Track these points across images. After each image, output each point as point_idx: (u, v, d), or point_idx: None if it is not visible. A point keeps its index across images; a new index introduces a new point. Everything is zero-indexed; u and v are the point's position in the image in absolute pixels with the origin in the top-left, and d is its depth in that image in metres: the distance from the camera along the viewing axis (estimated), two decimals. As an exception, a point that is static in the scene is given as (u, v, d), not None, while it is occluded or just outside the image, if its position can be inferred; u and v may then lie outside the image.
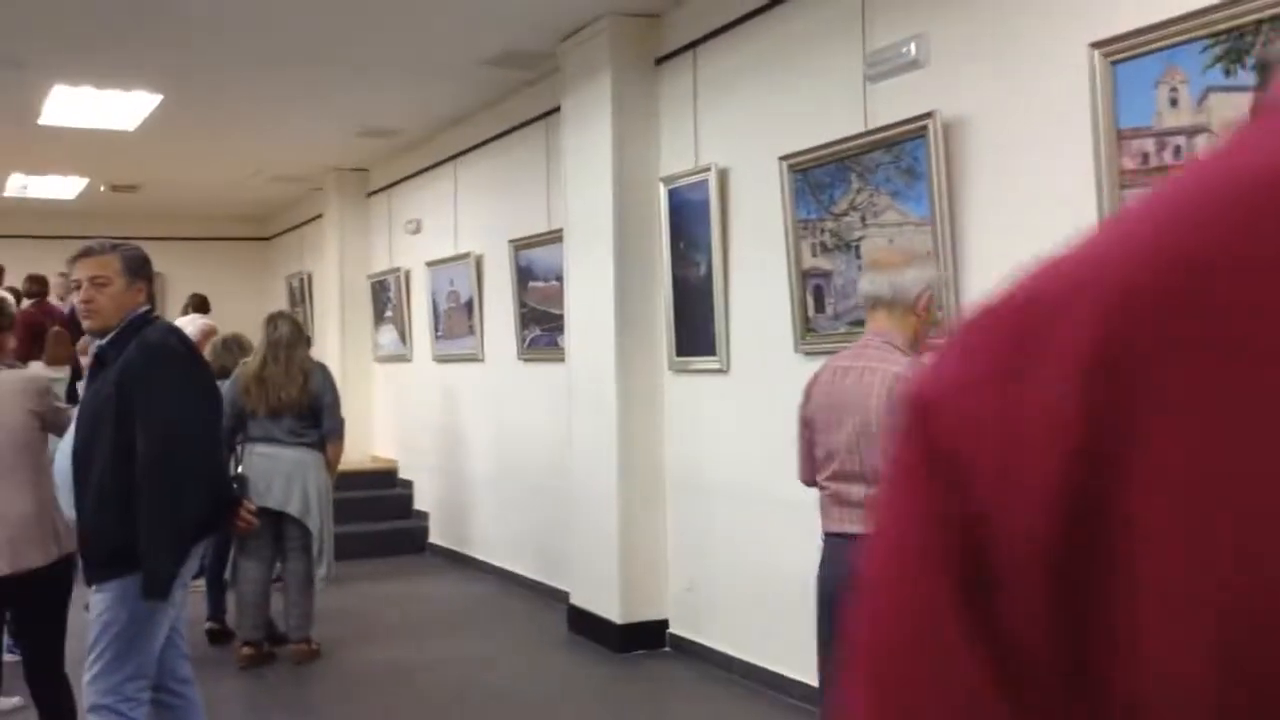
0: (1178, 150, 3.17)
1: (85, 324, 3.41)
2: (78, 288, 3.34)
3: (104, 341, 3.34)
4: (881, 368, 2.80)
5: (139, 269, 3.37)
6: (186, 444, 3.25)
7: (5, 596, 3.68)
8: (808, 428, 3.01)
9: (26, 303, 9.28)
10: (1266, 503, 0.35)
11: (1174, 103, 3.16)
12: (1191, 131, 3.14)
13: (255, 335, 6.22)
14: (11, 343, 4.86)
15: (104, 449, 3.20)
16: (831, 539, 2.92)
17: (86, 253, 3.36)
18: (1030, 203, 3.74)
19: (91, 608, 3.31)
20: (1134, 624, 0.37)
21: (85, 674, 3.25)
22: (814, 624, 2.97)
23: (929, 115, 3.96)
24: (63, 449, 3.38)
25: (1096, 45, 3.34)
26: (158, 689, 3.38)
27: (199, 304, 9.86)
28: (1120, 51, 3.27)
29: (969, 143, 3.94)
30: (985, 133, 3.90)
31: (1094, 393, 0.38)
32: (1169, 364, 0.37)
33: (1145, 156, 3.25)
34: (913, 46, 4.10)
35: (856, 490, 2.81)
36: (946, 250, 3.96)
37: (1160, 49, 3.17)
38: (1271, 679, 0.34)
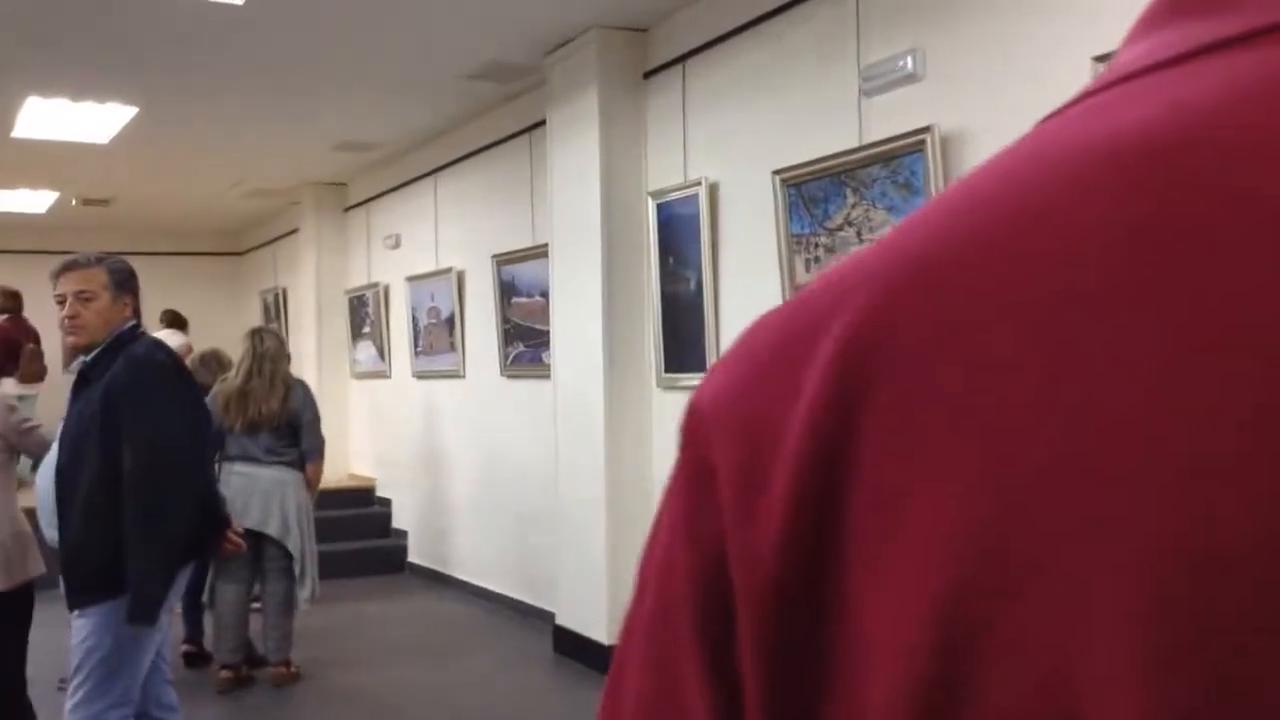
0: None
1: (69, 340, 3.28)
2: (62, 303, 3.22)
3: (88, 358, 3.24)
4: None
5: (125, 282, 3.27)
6: (174, 462, 3.14)
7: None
8: None
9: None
10: (951, 516, 0.33)
11: (1181, 117, 3.13)
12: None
13: (231, 351, 6.11)
14: None
15: (89, 468, 3.10)
16: None
17: (71, 265, 3.25)
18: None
19: (74, 633, 3.18)
20: (851, 667, 0.35)
21: (68, 701, 3.13)
22: None
23: (927, 129, 3.92)
24: (45, 468, 3.26)
25: (1100, 59, 3.30)
26: (141, 717, 3.27)
27: (173, 320, 9.67)
28: (1125, 65, 3.24)
29: (968, 157, 3.90)
30: (985, 147, 3.86)
31: (830, 397, 0.36)
32: (886, 366, 0.35)
33: (1151, 171, 3.22)
34: (909, 60, 4.06)
35: None
36: (945, 265, 3.91)
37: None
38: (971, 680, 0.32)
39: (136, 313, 3.31)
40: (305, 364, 9.59)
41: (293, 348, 10.37)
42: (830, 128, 4.47)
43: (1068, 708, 0.31)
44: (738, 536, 0.38)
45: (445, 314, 8.10)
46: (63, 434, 3.23)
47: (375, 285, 9.33)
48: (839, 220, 4.38)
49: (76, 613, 3.16)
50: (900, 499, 0.34)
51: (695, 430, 0.41)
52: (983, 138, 3.86)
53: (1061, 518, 0.32)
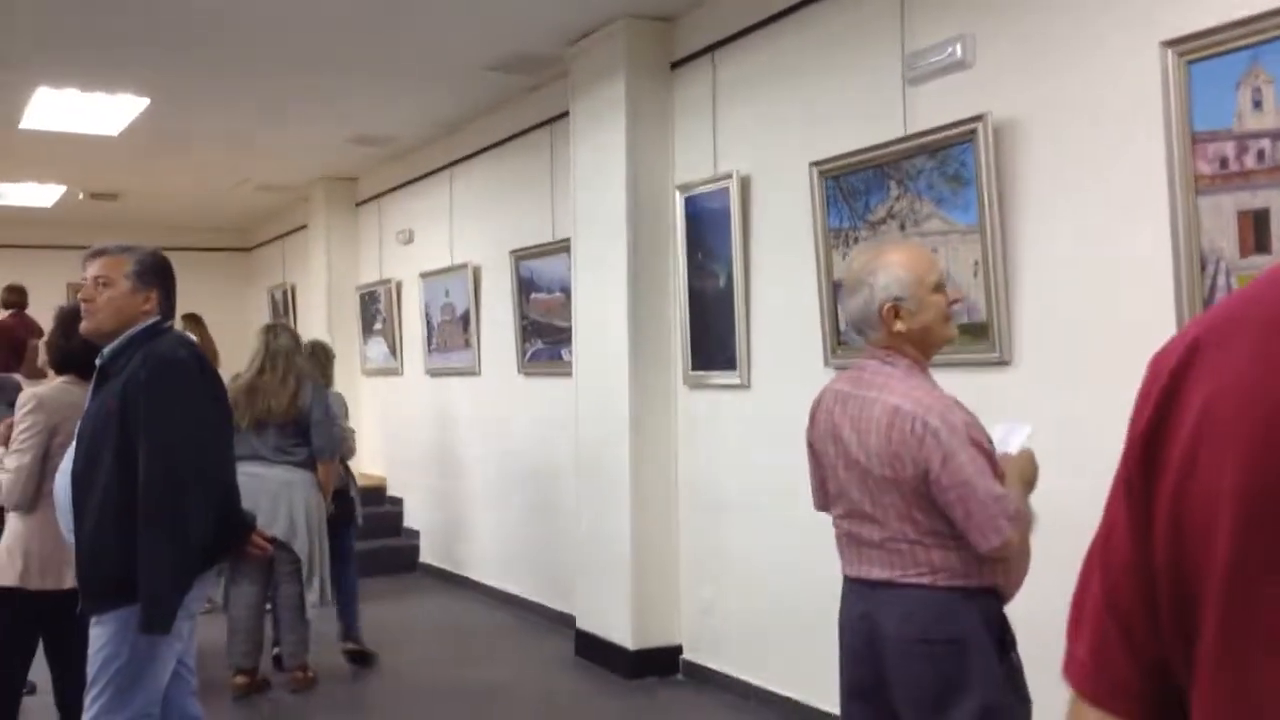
0: (1261, 154, 2.99)
1: (81, 326, 3.14)
2: (81, 285, 3.11)
3: (105, 352, 3.09)
4: (881, 398, 2.50)
5: (149, 274, 3.12)
6: (191, 464, 2.99)
7: (42, 617, 3.44)
8: (815, 456, 2.75)
9: (3, 313, 8.98)
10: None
11: (1258, 104, 2.98)
12: (1277, 135, 2.96)
13: (233, 347, 5.98)
14: None
15: (105, 469, 2.95)
16: (851, 583, 2.66)
17: (99, 252, 3.13)
18: (1090, 209, 3.55)
19: (91, 641, 3.03)
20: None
21: (85, 713, 2.99)
22: (837, 657, 2.71)
23: (978, 118, 3.77)
24: (63, 469, 3.11)
25: (1170, 44, 3.16)
26: None
27: (193, 323, 9.30)
28: (1197, 50, 3.09)
29: (1021, 147, 3.76)
30: (1039, 136, 3.71)
31: (1178, 364, 0.81)
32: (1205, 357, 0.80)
33: (1224, 160, 3.07)
34: (958, 47, 3.91)
35: (870, 531, 2.54)
36: (997, 259, 3.77)
37: (1243, 47, 2.99)
38: None
39: (165, 309, 3.15)
40: (315, 361, 9.43)
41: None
42: (872, 117, 4.32)
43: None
44: (1135, 421, 0.84)
45: (460, 310, 7.95)
46: (80, 432, 3.08)
47: (387, 281, 9.18)
48: (881, 213, 4.23)
49: (94, 620, 3.01)
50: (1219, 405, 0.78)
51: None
52: (1036, 127, 3.72)
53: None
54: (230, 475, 3.24)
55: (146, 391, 2.94)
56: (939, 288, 2.57)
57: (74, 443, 3.11)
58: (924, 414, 2.43)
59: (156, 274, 3.14)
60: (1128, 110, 3.40)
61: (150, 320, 3.11)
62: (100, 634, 2.98)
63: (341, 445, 5.80)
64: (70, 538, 3.08)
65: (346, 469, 6.03)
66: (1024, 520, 2.46)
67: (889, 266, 2.54)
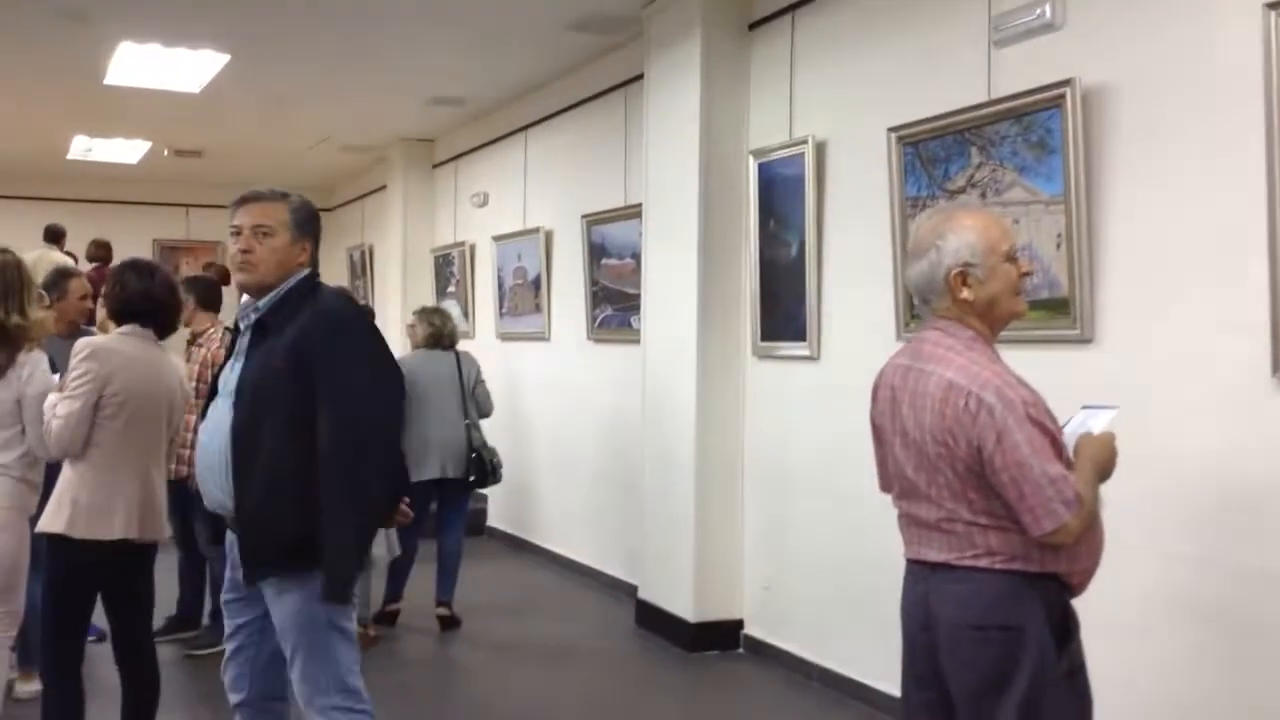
0: (1372, 123, 2.78)
1: (238, 278, 2.88)
2: (234, 234, 2.86)
3: (262, 305, 2.86)
4: (937, 372, 2.37)
5: (306, 224, 2.92)
6: (376, 429, 2.81)
7: (99, 566, 3.46)
8: (877, 434, 2.62)
9: (88, 267, 9.15)
10: None
11: (1371, 68, 2.77)
12: (1391, 101, 2.75)
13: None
14: (72, 312, 4.63)
15: (275, 429, 2.76)
16: (911, 566, 2.54)
17: (253, 197, 2.89)
18: (1183, 178, 3.35)
19: (275, 612, 2.85)
20: None
21: (293, 677, 2.84)
22: (900, 640, 2.60)
23: (1066, 83, 3.58)
24: (209, 428, 2.91)
25: (1274, 5, 2.95)
26: (246, 705, 3.01)
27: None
28: (1306, 10, 2.88)
29: (1111, 113, 3.56)
30: (1130, 103, 3.51)
31: None
32: None
33: (1331, 130, 2.87)
34: (1047, 8, 3.71)
35: (926, 511, 2.41)
36: (1082, 231, 3.59)
37: (1357, 7, 2.78)
38: None
39: (315, 261, 2.98)
40: (390, 322, 9.48)
41: (378, 305, 10.32)
42: (954, 82, 4.14)
43: None
44: None
45: (532, 275, 7.91)
46: (238, 389, 2.83)
47: (461, 244, 9.17)
48: (960, 181, 4.06)
49: (274, 590, 2.83)
50: None
51: None
52: (1129, 93, 3.52)
53: None
54: (402, 436, 3.08)
55: (326, 350, 2.77)
56: (1011, 257, 2.42)
57: (220, 400, 2.90)
58: (979, 389, 2.29)
59: (312, 222, 2.96)
60: (1225, 76, 3.20)
61: (305, 272, 2.92)
62: (286, 601, 2.81)
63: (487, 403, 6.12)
64: (220, 501, 2.88)
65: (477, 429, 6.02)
66: (1088, 506, 2.30)
67: (960, 230, 2.40)
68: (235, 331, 3.03)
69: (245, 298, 2.96)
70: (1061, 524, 2.26)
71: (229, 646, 3.04)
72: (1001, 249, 2.41)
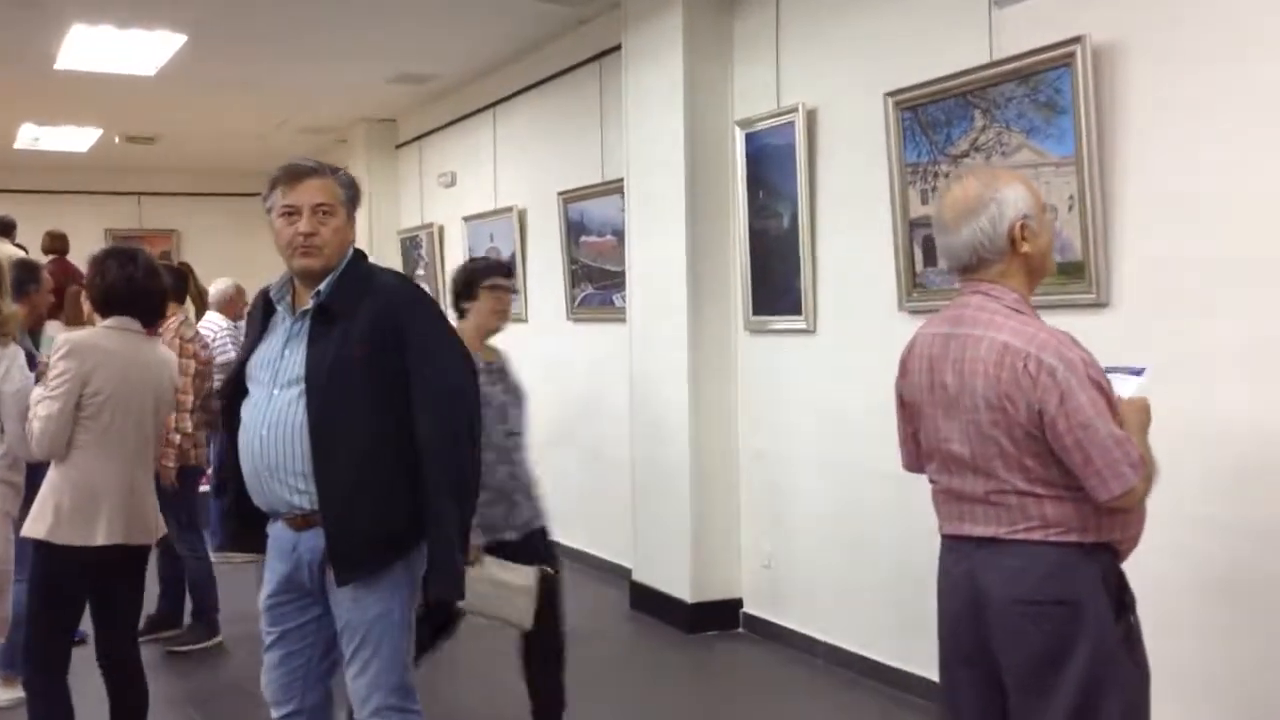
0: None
1: (302, 264, 2.63)
2: (288, 214, 2.62)
3: (323, 288, 2.63)
4: (988, 336, 2.27)
5: (355, 199, 2.72)
6: (468, 414, 2.66)
7: (84, 571, 3.30)
8: (906, 409, 2.53)
9: (45, 259, 8.86)
10: None
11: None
12: None
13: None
14: (42, 305, 4.45)
15: (360, 420, 2.56)
16: (950, 542, 2.44)
17: (307, 172, 2.63)
18: (1199, 139, 3.28)
19: (349, 606, 2.64)
20: None
21: (355, 680, 2.66)
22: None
23: (1077, 40, 3.49)
24: (265, 420, 2.62)
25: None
26: (296, 714, 2.80)
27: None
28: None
29: (1121, 73, 3.48)
30: (1143, 61, 3.43)
31: None
32: None
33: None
34: (1052, -35, 3.63)
35: (972, 484, 2.32)
36: (1095, 193, 3.51)
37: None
38: None
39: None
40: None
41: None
42: (954, 43, 4.04)
43: None
44: None
45: (505, 255, 7.74)
46: (309, 378, 2.58)
47: (429, 226, 8.99)
48: (964, 145, 3.97)
49: (355, 585, 2.62)
50: None
51: None
52: (1141, 51, 3.43)
53: None
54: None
55: (416, 336, 2.60)
56: (1046, 211, 2.43)
57: (268, 390, 2.64)
58: (1038, 351, 2.21)
59: (358, 196, 2.74)
60: (1244, 32, 3.12)
61: (353, 249, 2.72)
62: (369, 600, 2.62)
63: None
64: (285, 501, 2.64)
65: None
66: (1149, 468, 2.24)
67: (1012, 184, 2.35)
68: (264, 314, 2.79)
69: (279, 277, 2.75)
70: (1129, 487, 2.19)
71: (274, 654, 2.77)
72: (1042, 202, 2.40)
